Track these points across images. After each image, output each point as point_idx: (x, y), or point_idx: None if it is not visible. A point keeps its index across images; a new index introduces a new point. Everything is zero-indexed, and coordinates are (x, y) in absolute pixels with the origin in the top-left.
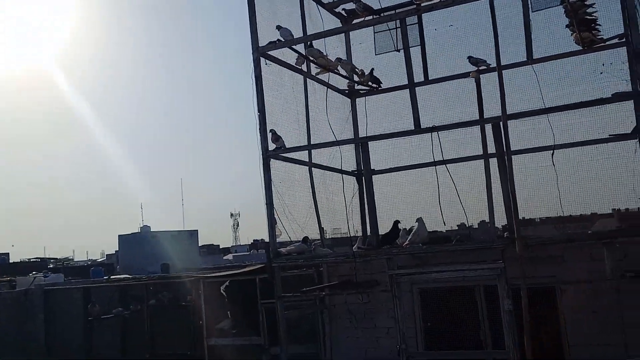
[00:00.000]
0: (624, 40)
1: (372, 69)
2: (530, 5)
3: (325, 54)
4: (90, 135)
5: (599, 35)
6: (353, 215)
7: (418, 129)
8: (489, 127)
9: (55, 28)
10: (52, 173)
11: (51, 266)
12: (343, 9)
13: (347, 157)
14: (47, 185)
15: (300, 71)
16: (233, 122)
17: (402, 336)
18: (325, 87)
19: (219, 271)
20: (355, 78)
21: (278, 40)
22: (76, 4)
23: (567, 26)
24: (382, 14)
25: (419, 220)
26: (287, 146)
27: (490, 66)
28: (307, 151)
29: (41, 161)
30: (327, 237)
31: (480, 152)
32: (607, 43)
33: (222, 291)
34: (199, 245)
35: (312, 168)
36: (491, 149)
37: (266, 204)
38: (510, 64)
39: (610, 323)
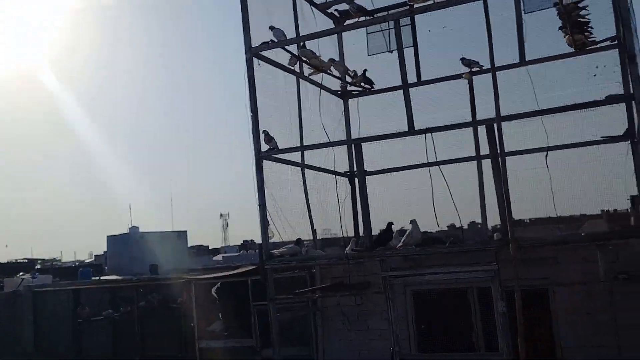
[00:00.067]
0: (615, 42)
1: (365, 70)
2: (522, 7)
3: (318, 54)
4: (79, 136)
5: (591, 38)
6: (345, 216)
7: (412, 131)
8: (481, 129)
9: (46, 28)
10: (39, 173)
11: (39, 267)
12: (335, 10)
13: (339, 158)
14: (35, 185)
15: (293, 72)
16: (222, 122)
17: (395, 338)
18: (318, 88)
19: (209, 272)
20: (348, 79)
21: (271, 40)
22: (70, 6)
23: (560, 28)
24: (375, 15)
25: (413, 222)
26: (279, 147)
27: (483, 67)
28: (299, 152)
29: (28, 161)
30: (318, 237)
31: (472, 152)
32: (599, 45)
33: (213, 293)
34: (188, 246)
35: (305, 169)
36: (483, 150)
37: (259, 205)
38: (503, 66)
39: (603, 325)
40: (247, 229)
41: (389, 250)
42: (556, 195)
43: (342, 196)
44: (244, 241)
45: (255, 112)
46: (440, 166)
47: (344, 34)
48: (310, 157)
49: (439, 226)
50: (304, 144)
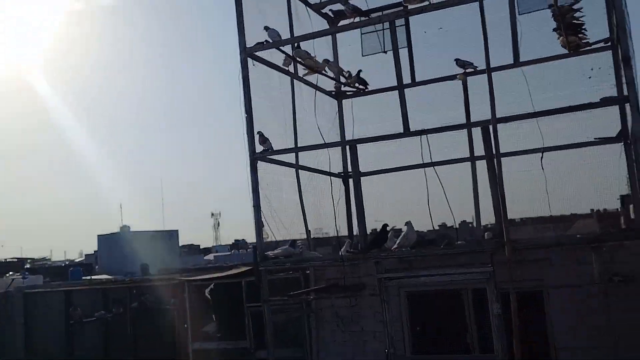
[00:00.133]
0: (609, 44)
1: (359, 71)
2: (517, 8)
3: (313, 55)
4: (68, 134)
5: (585, 40)
6: (339, 217)
7: (407, 132)
8: (476, 130)
9: (39, 29)
10: (28, 171)
11: (28, 266)
12: (330, 10)
13: (333, 159)
14: (24, 184)
15: (287, 72)
16: (214, 122)
17: (390, 340)
18: (312, 89)
19: (201, 272)
20: (342, 79)
21: (266, 41)
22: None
23: (554, 30)
24: (370, 15)
25: (408, 223)
26: (274, 148)
27: (477, 69)
28: (293, 153)
29: (17, 160)
30: (310, 237)
31: (466, 153)
32: (593, 47)
33: (207, 294)
34: (180, 245)
35: (299, 170)
36: (478, 151)
37: (253, 206)
38: (497, 67)
39: (598, 327)
40: (238, 228)
41: (384, 252)
42: (549, 196)
43: (336, 197)
44: (235, 240)
45: (250, 113)
46: (435, 167)
47: (338, 34)
48: (305, 157)
49: (433, 228)
50: (299, 145)
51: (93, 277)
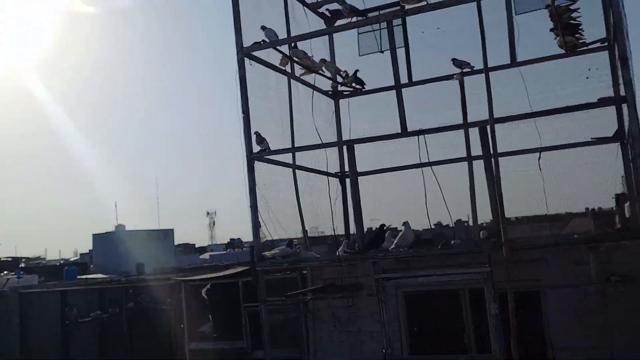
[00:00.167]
0: (606, 44)
1: (357, 70)
2: (513, 8)
3: (310, 55)
4: (64, 133)
5: (581, 40)
6: (336, 217)
7: (405, 132)
8: (472, 129)
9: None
10: (23, 171)
11: (23, 265)
12: (327, 9)
13: (330, 158)
14: (19, 183)
15: (284, 72)
16: (210, 121)
17: (387, 340)
18: (309, 88)
19: (197, 271)
20: (339, 79)
21: (263, 41)
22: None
23: (551, 30)
24: (367, 15)
25: (405, 224)
26: (271, 148)
27: (474, 68)
28: (290, 153)
29: (12, 159)
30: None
31: (463, 152)
32: (590, 47)
33: (203, 294)
34: (175, 244)
35: (296, 170)
36: (474, 151)
37: (250, 206)
38: (494, 67)
39: (595, 327)
40: (234, 227)
41: (382, 253)
42: (546, 196)
43: (333, 197)
44: (230, 239)
45: (247, 113)
46: (432, 166)
47: (335, 34)
48: (302, 157)
49: (430, 227)
50: (296, 145)
51: (88, 276)
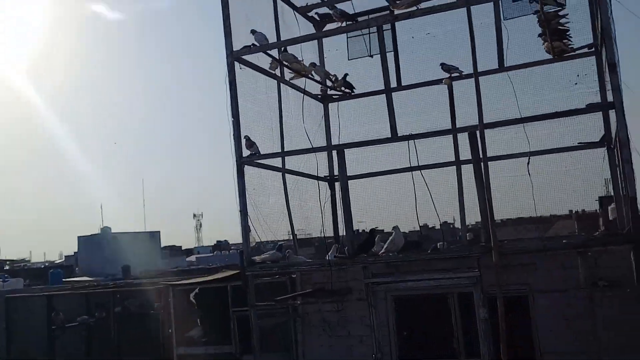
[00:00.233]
0: (593, 50)
1: (346, 74)
2: (502, 14)
3: (301, 59)
4: (50, 134)
5: (569, 45)
6: (324, 220)
7: (395, 137)
8: (461, 134)
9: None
10: (8, 172)
11: (7, 268)
12: (316, 13)
13: (321, 163)
14: (2, 184)
15: (274, 76)
16: (197, 123)
17: (377, 345)
18: (299, 92)
19: (184, 274)
20: (329, 83)
21: (253, 44)
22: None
23: (539, 35)
24: (356, 19)
25: (395, 228)
26: (260, 151)
27: (463, 73)
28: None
29: None
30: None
31: (451, 156)
32: (577, 52)
33: (192, 299)
34: (161, 246)
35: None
36: (462, 154)
37: (240, 211)
38: (482, 72)
39: (583, 331)
40: (221, 229)
41: (372, 257)
42: (530, 198)
43: (322, 200)
44: (217, 241)
45: (237, 117)
46: (421, 170)
47: (324, 38)
48: (292, 160)
49: (420, 231)
50: (285, 148)
51: (74, 279)
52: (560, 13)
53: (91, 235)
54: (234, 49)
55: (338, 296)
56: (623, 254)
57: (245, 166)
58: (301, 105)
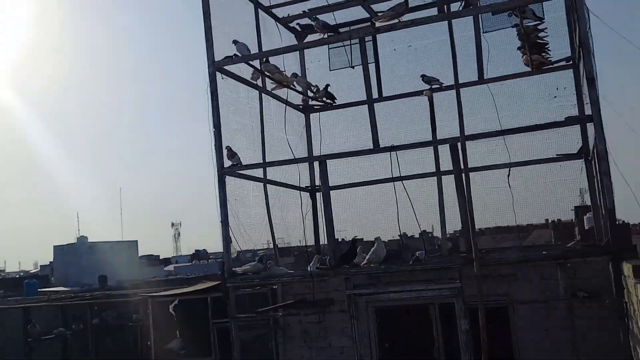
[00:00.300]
0: (570, 63)
1: (327, 85)
2: (481, 27)
3: (283, 69)
4: (24, 140)
5: (548, 58)
6: (306, 229)
7: (377, 148)
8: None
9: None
10: None
11: None
12: (297, 24)
13: (302, 173)
14: None
15: (255, 86)
16: (176, 131)
17: (359, 356)
18: (281, 103)
19: (163, 285)
20: (310, 94)
21: (235, 55)
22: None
23: (518, 48)
24: (338, 31)
25: (377, 239)
26: (242, 161)
27: (443, 85)
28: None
29: None
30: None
31: (432, 167)
32: (555, 65)
33: (171, 310)
34: (139, 255)
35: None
36: (444, 165)
37: (221, 221)
38: (462, 83)
39: (563, 341)
40: (199, 238)
41: (354, 268)
42: (508, 207)
43: (304, 211)
44: (196, 250)
45: (218, 127)
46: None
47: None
48: (273, 171)
49: (401, 240)
50: (267, 158)
51: (49, 289)
52: (539, 27)
53: (67, 244)
54: (216, 59)
55: (319, 307)
56: (601, 265)
57: (227, 176)
58: (283, 116)
